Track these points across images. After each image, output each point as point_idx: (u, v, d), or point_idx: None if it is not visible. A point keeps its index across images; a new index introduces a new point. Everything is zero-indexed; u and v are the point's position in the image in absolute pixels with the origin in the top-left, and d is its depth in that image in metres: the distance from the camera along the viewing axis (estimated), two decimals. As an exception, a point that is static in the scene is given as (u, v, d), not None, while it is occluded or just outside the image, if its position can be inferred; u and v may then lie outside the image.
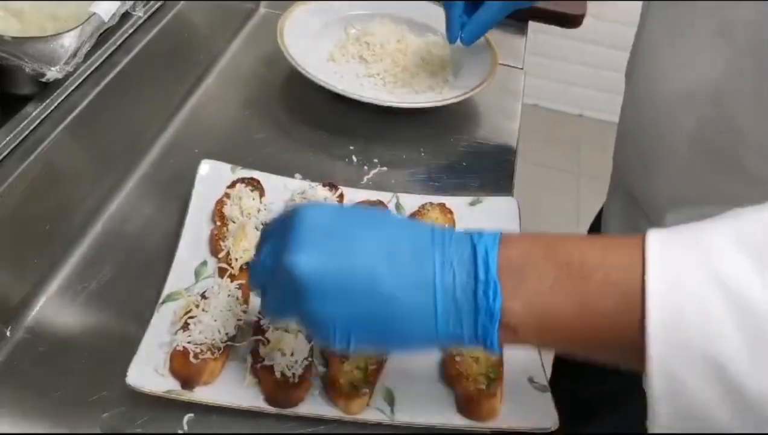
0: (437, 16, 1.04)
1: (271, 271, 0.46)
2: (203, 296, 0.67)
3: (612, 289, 0.39)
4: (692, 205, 0.71)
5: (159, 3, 0.89)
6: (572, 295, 0.40)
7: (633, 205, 0.84)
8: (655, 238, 0.39)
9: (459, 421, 0.64)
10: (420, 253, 0.42)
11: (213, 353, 0.63)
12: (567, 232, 0.45)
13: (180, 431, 0.62)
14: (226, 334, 0.65)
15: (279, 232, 0.46)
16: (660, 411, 0.37)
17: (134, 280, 0.73)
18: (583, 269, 0.40)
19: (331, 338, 0.45)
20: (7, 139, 0.68)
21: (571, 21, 1.26)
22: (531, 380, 0.68)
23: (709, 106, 0.67)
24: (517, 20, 1.19)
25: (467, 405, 0.65)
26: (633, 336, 0.37)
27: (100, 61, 0.80)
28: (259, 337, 0.66)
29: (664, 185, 0.76)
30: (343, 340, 0.45)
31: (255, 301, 0.72)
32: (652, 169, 0.77)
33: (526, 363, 0.69)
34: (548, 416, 0.65)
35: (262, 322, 0.67)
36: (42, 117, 0.72)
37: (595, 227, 1.01)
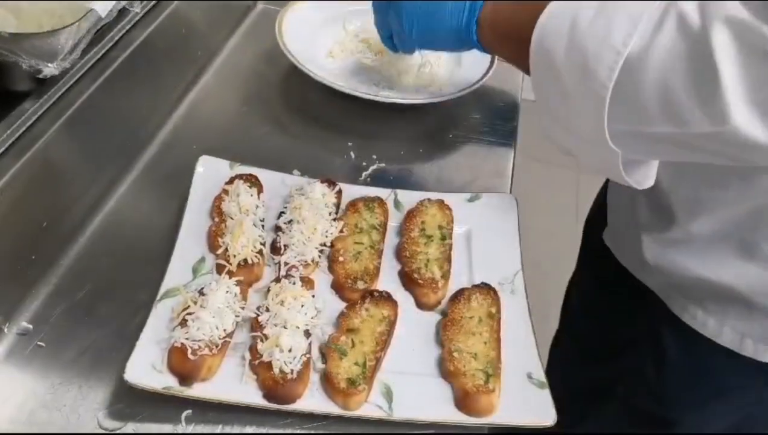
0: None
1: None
2: (201, 293, 0.67)
3: (532, 10, 0.66)
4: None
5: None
6: (511, 7, 0.74)
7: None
8: None
9: (457, 417, 0.64)
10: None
11: (211, 350, 0.63)
12: None
13: (178, 427, 0.62)
14: (224, 330, 0.65)
15: None
16: (533, 60, 0.65)
17: (132, 276, 0.73)
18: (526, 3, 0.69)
19: (406, 28, 0.85)
20: (4, 135, 0.68)
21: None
22: (529, 376, 0.68)
23: None
24: (516, 16, 1.19)
25: (465, 401, 0.65)
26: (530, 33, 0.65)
27: (98, 57, 0.80)
28: (257, 333, 0.66)
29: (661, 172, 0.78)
30: (410, 31, 0.85)
31: (253, 297, 0.72)
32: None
33: (524, 359, 0.69)
34: (546, 412, 0.65)
35: (260, 318, 0.67)
36: (39, 113, 0.72)
37: (594, 216, 1.00)
